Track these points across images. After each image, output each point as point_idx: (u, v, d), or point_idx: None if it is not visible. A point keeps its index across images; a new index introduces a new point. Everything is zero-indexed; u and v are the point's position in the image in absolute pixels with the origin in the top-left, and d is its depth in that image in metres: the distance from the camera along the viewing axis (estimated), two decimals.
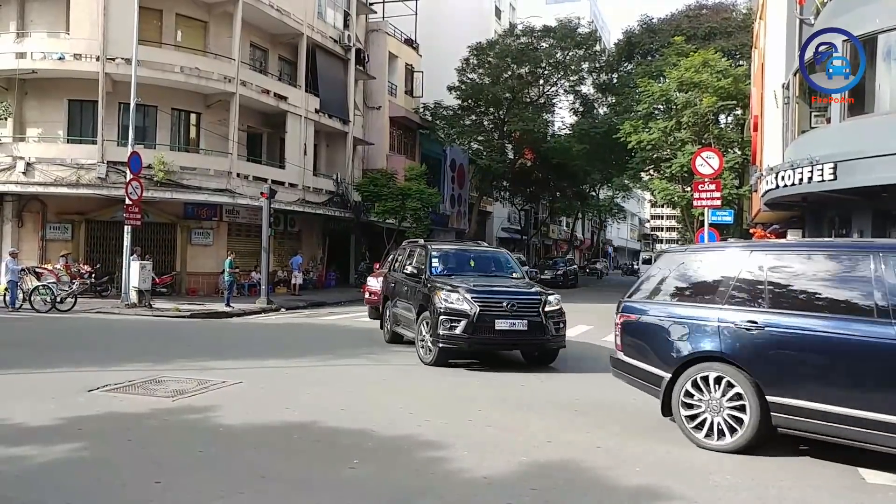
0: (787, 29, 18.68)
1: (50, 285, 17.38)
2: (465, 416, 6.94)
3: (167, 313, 17.52)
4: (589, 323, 16.63)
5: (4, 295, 18.09)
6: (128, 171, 19.09)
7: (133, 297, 18.49)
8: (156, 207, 22.93)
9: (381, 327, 13.49)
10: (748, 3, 36.51)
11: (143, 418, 6.58)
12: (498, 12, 52.81)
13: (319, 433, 6.23)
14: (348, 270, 32.86)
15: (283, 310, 20.06)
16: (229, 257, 20.57)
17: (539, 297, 10.27)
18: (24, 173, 21.46)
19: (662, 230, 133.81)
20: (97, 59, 21.62)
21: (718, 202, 15.68)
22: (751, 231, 24.91)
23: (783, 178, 14.92)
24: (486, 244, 14.45)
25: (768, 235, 21.29)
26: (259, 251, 21.56)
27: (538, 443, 6.03)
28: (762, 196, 17.69)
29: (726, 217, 19.09)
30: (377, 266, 22.27)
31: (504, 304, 9.98)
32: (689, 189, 22.23)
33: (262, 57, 27.69)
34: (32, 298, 17.23)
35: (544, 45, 37.84)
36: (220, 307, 18.89)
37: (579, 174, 43.72)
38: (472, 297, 9.95)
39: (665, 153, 26.17)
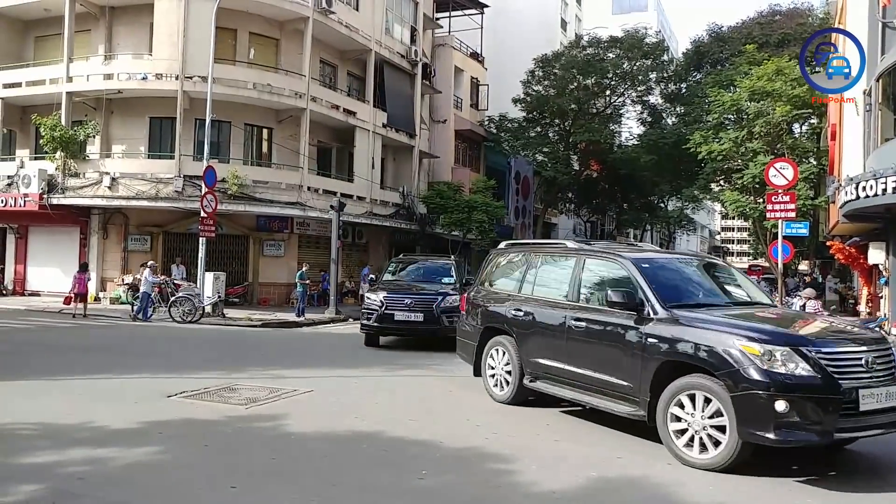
0: (868, 33, 17.95)
1: (190, 296, 18.13)
2: (533, 430, 6.92)
3: (240, 323, 18.07)
4: None
5: (133, 304, 18.81)
6: (203, 185, 19.85)
7: (207, 306, 19.14)
8: (229, 220, 23.68)
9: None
10: (825, 7, 35.19)
11: (219, 425, 6.82)
12: (564, 24, 52.60)
13: (388, 443, 6.32)
14: None
15: (350, 320, 20.36)
16: (303, 268, 21.05)
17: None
18: (109, 188, 22.57)
19: (734, 242, 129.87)
20: (176, 77, 22.57)
21: (793, 214, 15.12)
22: (828, 244, 23.90)
23: (864, 188, 14.27)
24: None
25: (847, 248, 20.39)
26: (328, 262, 22.03)
27: (607, 457, 5.97)
28: (840, 207, 16.98)
29: (801, 229, 18.39)
30: None
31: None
32: (761, 200, 21.50)
33: (331, 73, 28.35)
34: (171, 310, 17.91)
35: (611, 55, 37.34)
36: (290, 317, 19.37)
37: (647, 185, 42.86)
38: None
39: (736, 164, 25.40)
